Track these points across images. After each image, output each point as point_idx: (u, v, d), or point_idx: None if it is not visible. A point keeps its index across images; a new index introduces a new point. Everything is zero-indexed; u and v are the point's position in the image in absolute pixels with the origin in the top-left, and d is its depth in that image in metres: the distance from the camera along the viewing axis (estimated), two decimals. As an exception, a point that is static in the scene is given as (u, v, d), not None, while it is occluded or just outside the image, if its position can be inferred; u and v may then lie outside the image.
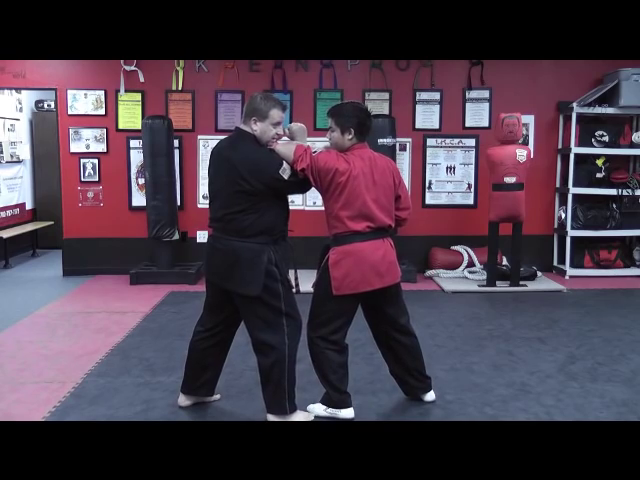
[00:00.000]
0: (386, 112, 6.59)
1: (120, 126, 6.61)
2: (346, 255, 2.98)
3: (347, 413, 3.11)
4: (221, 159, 2.94)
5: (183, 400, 3.24)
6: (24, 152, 8.16)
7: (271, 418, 2.98)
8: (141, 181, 6.58)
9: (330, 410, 3.12)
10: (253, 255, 2.86)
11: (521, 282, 6.04)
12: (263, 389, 2.99)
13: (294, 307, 2.98)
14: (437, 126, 6.71)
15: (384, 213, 3.04)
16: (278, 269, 2.90)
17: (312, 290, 3.12)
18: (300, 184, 2.99)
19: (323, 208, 3.11)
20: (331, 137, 3.07)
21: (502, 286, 5.99)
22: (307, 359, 3.95)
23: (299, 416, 3.03)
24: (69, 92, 6.55)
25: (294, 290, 3.09)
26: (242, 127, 2.98)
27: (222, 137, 3.17)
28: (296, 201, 6.59)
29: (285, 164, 2.90)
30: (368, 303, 3.15)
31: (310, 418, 3.08)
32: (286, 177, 2.88)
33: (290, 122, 6.41)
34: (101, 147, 6.63)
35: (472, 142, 6.77)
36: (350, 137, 3.02)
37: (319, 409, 3.15)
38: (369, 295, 3.06)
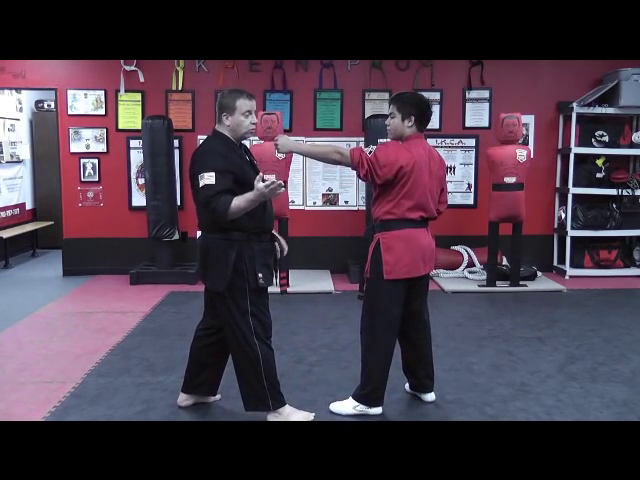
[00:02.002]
0: (386, 112, 6.58)
1: (120, 126, 6.62)
2: (398, 240, 3.01)
3: (377, 410, 3.13)
4: None
5: (183, 400, 3.24)
6: (24, 152, 8.16)
7: (270, 418, 2.98)
8: (141, 181, 6.58)
9: (360, 407, 3.12)
10: (221, 250, 2.86)
11: (521, 282, 6.04)
12: (240, 387, 2.99)
13: (261, 307, 2.94)
14: (437, 126, 6.71)
15: (434, 204, 3.11)
16: (246, 266, 2.86)
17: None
18: (205, 200, 2.77)
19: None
20: (390, 123, 3.11)
21: (502, 286, 5.99)
22: (308, 359, 3.97)
23: (298, 415, 3.03)
24: (69, 92, 6.55)
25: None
26: (216, 126, 2.99)
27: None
28: (296, 201, 6.61)
29: (207, 174, 2.76)
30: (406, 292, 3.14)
31: (309, 418, 3.07)
32: (200, 183, 2.77)
33: (290, 122, 6.56)
34: (101, 147, 6.63)
35: (472, 142, 6.77)
36: (410, 125, 3.05)
37: (347, 407, 3.14)
38: (412, 283, 3.08)
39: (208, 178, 2.76)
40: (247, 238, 2.88)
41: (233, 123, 2.90)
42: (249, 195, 2.76)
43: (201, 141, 3.15)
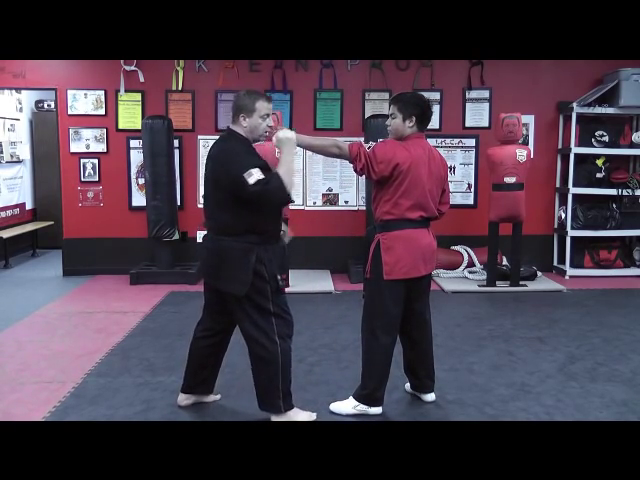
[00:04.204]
0: (386, 112, 6.59)
1: (120, 126, 6.61)
2: (398, 240, 3.01)
3: (377, 410, 3.13)
4: (208, 157, 2.98)
5: (183, 400, 3.24)
6: (24, 152, 8.16)
7: (274, 418, 2.98)
8: (141, 181, 6.58)
9: (361, 407, 3.12)
10: (241, 254, 2.85)
11: (521, 282, 6.03)
12: (256, 387, 2.99)
13: (283, 307, 2.96)
14: (437, 126, 6.71)
15: (434, 204, 3.10)
16: (266, 269, 2.87)
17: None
18: (263, 192, 2.75)
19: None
20: (391, 123, 3.11)
21: (502, 286, 5.99)
22: (308, 359, 3.97)
23: (301, 415, 3.03)
24: (69, 92, 6.55)
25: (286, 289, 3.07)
26: (231, 127, 2.99)
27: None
28: (296, 201, 6.60)
29: (254, 170, 2.75)
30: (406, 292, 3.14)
31: (312, 418, 3.07)
32: (250, 181, 2.74)
33: (290, 122, 6.56)
34: (101, 147, 6.63)
35: (472, 142, 6.77)
36: (411, 125, 3.05)
37: (347, 407, 3.14)
38: (412, 283, 3.07)
39: (257, 174, 2.75)
40: (263, 241, 2.89)
41: (250, 125, 2.91)
42: (285, 156, 2.86)
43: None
